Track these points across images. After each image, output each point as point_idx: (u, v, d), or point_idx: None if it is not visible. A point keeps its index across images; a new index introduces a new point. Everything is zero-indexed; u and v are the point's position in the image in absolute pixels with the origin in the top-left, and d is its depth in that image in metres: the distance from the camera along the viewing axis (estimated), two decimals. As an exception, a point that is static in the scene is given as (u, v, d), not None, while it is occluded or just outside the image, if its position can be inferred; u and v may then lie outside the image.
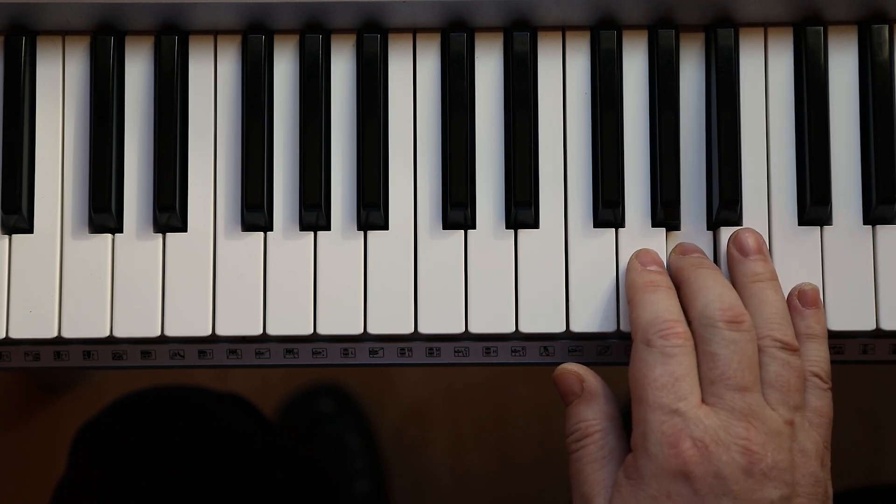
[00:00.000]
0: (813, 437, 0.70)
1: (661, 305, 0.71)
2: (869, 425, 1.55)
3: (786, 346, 0.70)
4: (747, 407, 0.68)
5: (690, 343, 0.70)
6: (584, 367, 0.74)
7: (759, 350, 0.70)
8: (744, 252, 0.73)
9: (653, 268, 0.74)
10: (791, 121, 0.77)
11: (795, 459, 0.68)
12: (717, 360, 0.69)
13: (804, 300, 0.73)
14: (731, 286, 0.72)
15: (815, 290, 0.74)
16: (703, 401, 0.68)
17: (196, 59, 0.78)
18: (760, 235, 0.74)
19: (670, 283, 0.73)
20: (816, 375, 0.71)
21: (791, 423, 0.69)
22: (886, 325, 0.75)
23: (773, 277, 0.73)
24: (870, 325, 0.75)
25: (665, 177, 0.76)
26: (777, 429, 0.68)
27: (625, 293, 0.75)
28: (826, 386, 0.71)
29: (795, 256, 0.75)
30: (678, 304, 0.72)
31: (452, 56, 0.77)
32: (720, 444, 0.67)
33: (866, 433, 1.54)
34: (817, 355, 0.72)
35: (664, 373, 0.68)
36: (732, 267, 0.74)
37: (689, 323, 0.70)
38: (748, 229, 0.74)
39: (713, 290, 0.70)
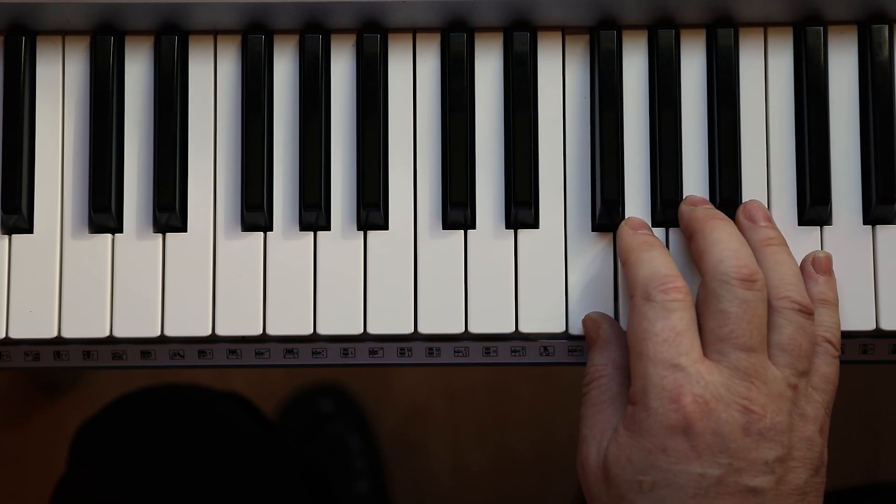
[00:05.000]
0: (815, 402, 0.70)
1: (659, 262, 0.71)
2: (868, 425, 1.55)
3: (803, 309, 0.70)
4: (752, 367, 0.68)
5: (690, 298, 0.70)
6: (605, 315, 0.74)
7: (773, 310, 0.70)
8: (753, 219, 0.74)
9: (643, 231, 0.74)
10: (791, 121, 0.77)
11: (794, 422, 0.68)
12: (727, 318, 0.68)
13: (818, 266, 0.73)
14: (745, 241, 0.71)
15: (829, 256, 0.74)
16: (707, 356, 0.68)
17: (196, 59, 0.78)
18: (767, 208, 0.75)
19: (662, 244, 0.74)
20: (828, 341, 0.71)
21: (795, 387, 0.69)
22: (886, 325, 0.75)
23: (785, 243, 0.73)
24: (870, 325, 0.75)
25: (665, 177, 0.76)
26: (779, 391, 0.68)
27: (623, 291, 0.75)
28: (836, 353, 0.71)
29: (795, 256, 0.74)
30: (673, 262, 0.72)
31: (452, 56, 0.77)
32: (721, 400, 0.67)
33: (866, 433, 1.54)
34: (830, 321, 0.72)
35: (665, 327, 0.68)
36: (743, 234, 0.73)
37: (702, 276, 0.70)
38: (756, 201, 0.75)
39: (728, 245, 0.70)
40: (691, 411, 0.67)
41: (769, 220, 0.74)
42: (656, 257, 0.71)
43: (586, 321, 0.75)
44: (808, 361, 0.70)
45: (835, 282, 0.73)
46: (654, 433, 0.67)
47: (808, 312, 0.70)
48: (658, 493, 0.67)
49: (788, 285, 0.70)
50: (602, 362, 0.73)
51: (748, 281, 0.69)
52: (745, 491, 0.67)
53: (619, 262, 0.74)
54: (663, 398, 0.67)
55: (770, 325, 0.70)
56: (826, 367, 0.71)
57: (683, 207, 0.75)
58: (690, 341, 0.68)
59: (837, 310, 0.73)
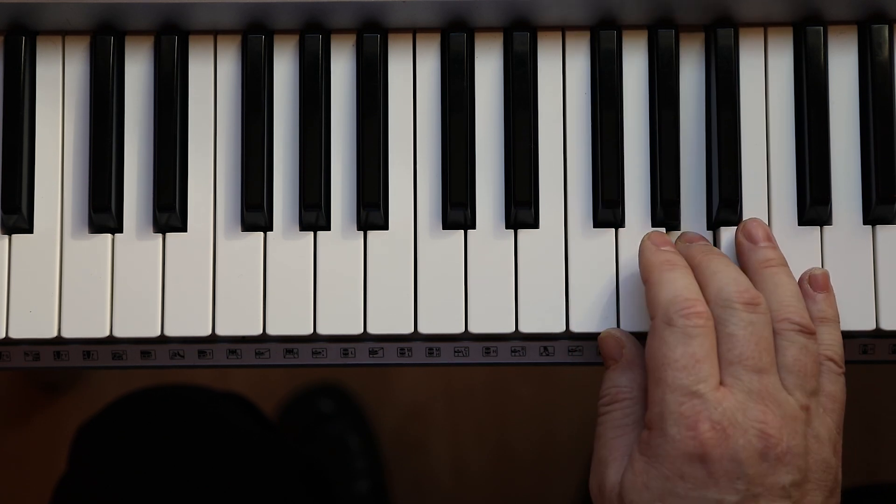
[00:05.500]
0: (827, 422, 0.70)
1: (681, 283, 0.70)
2: (868, 425, 1.55)
3: (803, 330, 0.70)
4: (764, 389, 0.68)
5: (711, 323, 0.69)
6: (628, 333, 0.74)
7: (776, 333, 0.70)
8: (753, 240, 0.74)
9: (667, 248, 0.73)
10: (791, 121, 0.77)
11: (809, 445, 0.68)
12: (735, 341, 0.68)
13: (815, 284, 0.73)
14: (741, 272, 0.72)
15: (826, 274, 0.74)
16: (721, 382, 0.68)
17: (196, 59, 0.78)
18: (767, 226, 0.75)
19: (685, 263, 0.73)
20: (831, 359, 0.71)
21: (807, 409, 0.69)
22: (886, 325, 0.75)
23: (785, 263, 0.73)
24: (870, 325, 0.75)
25: (665, 177, 0.76)
26: (793, 413, 0.68)
27: (623, 291, 0.75)
28: (840, 370, 0.71)
29: (795, 256, 0.75)
30: (696, 283, 0.71)
31: (452, 56, 0.77)
32: (738, 427, 0.67)
33: (866, 433, 1.54)
34: (831, 339, 0.72)
35: (685, 354, 0.68)
36: (742, 255, 0.74)
37: (706, 305, 0.70)
38: (755, 219, 0.75)
39: (727, 274, 0.70)
40: (708, 438, 0.67)
41: (769, 238, 0.74)
42: (678, 279, 0.71)
43: (608, 338, 0.74)
44: (816, 381, 0.70)
45: (833, 298, 0.73)
46: (672, 460, 0.67)
47: (809, 332, 0.70)
48: None
49: (788, 307, 0.70)
50: (626, 384, 0.73)
51: (751, 304, 0.69)
52: None
53: (641, 280, 0.73)
54: (681, 425, 0.67)
55: (774, 349, 0.70)
56: (831, 386, 0.71)
57: (679, 245, 0.74)
58: (709, 368, 0.68)
59: (838, 326, 0.73)
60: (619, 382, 0.73)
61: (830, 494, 0.69)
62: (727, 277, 0.70)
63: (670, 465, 0.67)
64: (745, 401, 0.68)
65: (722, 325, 0.69)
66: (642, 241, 0.74)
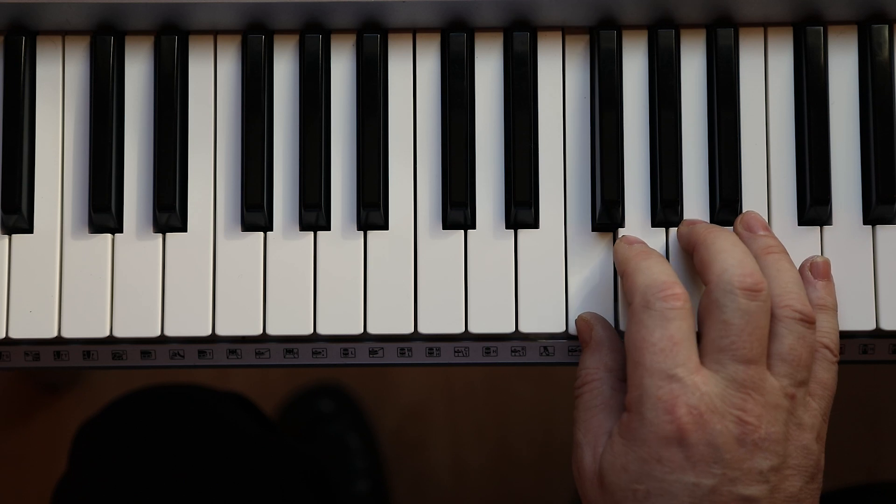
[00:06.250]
0: (812, 409, 0.70)
1: (657, 269, 0.71)
2: (868, 425, 1.55)
3: (804, 318, 0.70)
4: (749, 379, 0.68)
5: (689, 305, 0.69)
6: (598, 316, 0.75)
7: (775, 319, 0.70)
8: (752, 229, 0.74)
9: (639, 244, 0.74)
10: (791, 121, 0.77)
11: (790, 432, 0.68)
12: (729, 329, 0.68)
13: (816, 272, 0.73)
14: (748, 251, 0.71)
15: (827, 262, 0.74)
16: (705, 365, 0.68)
17: (196, 59, 0.78)
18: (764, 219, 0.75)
19: (659, 253, 0.73)
20: (826, 347, 0.71)
21: (792, 397, 0.69)
22: (886, 325, 0.75)
23: (785, 251, 0.73)
24: (870, 325, 0.75)
25: (665, 177, 0.76)
26: (775, 402, 0.68)
27: (621, 292, 0.75)
28: (834, 358, 0.71)
29: (795, 256, 0.74)
30: (671, 269, 0.71)
31: (452, 56, 0.77)
32: (715, 412, 0.67)
33: (866, 433, 1.54)
34: (828, 327, 0.72)
35: (663, 336, 0.68)
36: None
37: (706, 285, 0.70)
38: (753, 212, 0.75)
39: (732, 255, 0.70)
40: (686, 422, 0.67)
41: (767, 229, 0.74)
42: (654, 265, 0.71)
43: (579, 322, 0.75)
44: (808, 371, 0.70)
45: (833, 286, 0.73)
46: (649, 443, 0.68)
47: (809, 321, 0.70)
48: (652, 501, 0.68)
49: (790, 293, 0.70)
50: (594, 365, 0.73)
51: (752, 291, 0.69)
52: (739, 499, 0.67)
53: (618, 274, 0.74)
54: (658, 409, 0.67)
55: (771, 334, 0.70)
56: (824, 374, 0.71)
57: (682, 228, 0.75)
58: (687, 351, 0.68)
59: (836, 315, 0.73)
60: (588, 364, 0.73)
61: (811, 480, 0.69)
62: (732, 259, 0.70)
63: (648, 449, 0.68)
64: (726, 387, 0.68)
65: (719, 309, 0.69)
66: (616, 242, 0.75)
